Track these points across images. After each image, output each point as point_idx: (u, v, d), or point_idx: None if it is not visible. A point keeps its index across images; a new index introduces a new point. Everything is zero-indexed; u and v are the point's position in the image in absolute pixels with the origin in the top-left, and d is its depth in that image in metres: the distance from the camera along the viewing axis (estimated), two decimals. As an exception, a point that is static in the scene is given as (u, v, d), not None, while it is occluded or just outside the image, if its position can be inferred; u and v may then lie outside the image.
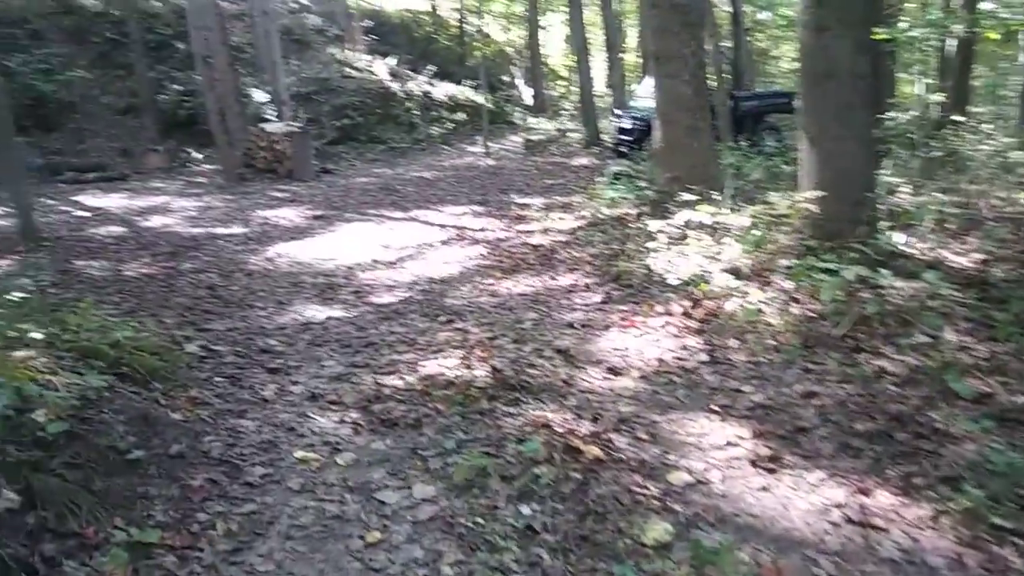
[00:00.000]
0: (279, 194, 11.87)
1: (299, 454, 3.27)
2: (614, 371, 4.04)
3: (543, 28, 27.95)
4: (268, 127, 14.81)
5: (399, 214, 9.38)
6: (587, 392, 3.76)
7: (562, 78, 31.67)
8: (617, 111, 13.09)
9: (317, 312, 5.48)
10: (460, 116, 19.24)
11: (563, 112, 21.76)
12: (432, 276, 6.30)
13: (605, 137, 15.11)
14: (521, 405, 3.55)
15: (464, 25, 28.13)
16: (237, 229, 8.93)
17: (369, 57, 20.66)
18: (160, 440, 3.19)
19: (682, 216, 5.72)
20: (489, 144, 15.68)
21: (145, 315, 5.15)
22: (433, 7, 29.20)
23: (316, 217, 9.46)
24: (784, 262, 4.82)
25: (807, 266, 4.54)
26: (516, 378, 3.79)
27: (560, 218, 7.82)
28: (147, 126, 18.19)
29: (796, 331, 4.14)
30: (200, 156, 15.79)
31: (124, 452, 2.97)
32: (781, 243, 5.07)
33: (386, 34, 25.13)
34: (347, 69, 19.09)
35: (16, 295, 4.33)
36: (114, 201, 11.81)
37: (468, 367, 3.98)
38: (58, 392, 2.94)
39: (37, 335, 3.47)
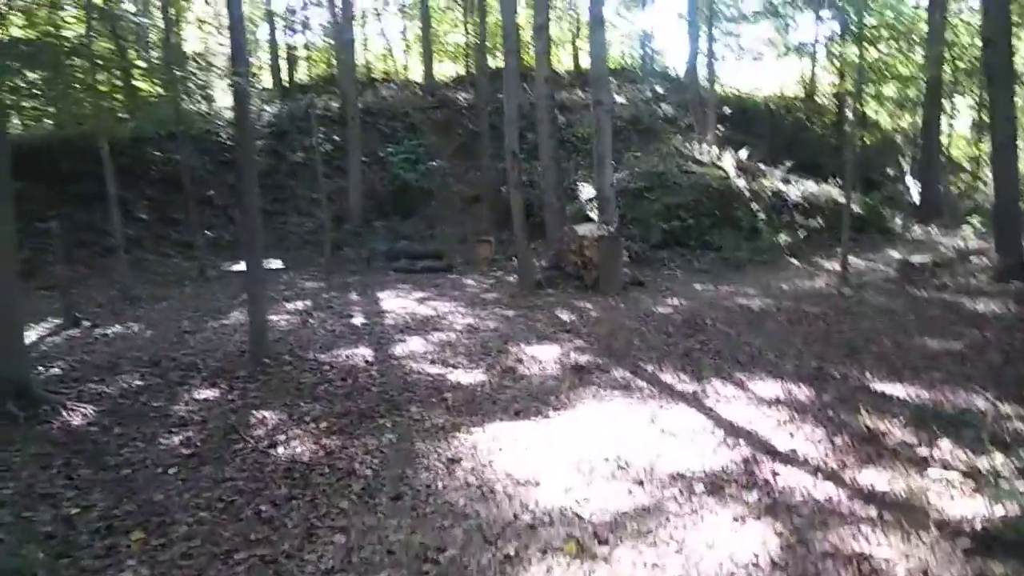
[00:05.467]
0: (565, 315, 9.90)
1: None
2: None
3: (947, 114, 22.67)
4: (580, 228, 13.14)
5: (683, 384, 6.61)
6: None
7: (964, 170, 25.60)
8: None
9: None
10: (816, 222, 15.64)
11: (967, 223, 16.59)
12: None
13: (1032, 269, 10.49)
14: None
15: (845, 110, 24.19)
16: (476, 376, 7.03)
17: (717, 149, 18.16)
18: None
19: None
20: (849, 263, 12.02)
21: None
22: (809, 92, 25.72)
23: (575, 369, 7.16)
24: None
25: None
26: None
27: (960, 487, 4.24)
28: (486, 216, 18.09)
29: None
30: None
31: None
32: None
33: (746, 122, 22.48)
34: (688, 163, 16.83)
35: None
36: (405, 303, 10.97)
37: None
38: None
39: None
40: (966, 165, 26.42)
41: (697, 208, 15.28)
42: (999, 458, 4.33)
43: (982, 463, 4.29)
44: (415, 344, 8.34)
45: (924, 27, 19.12)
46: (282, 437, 5.46)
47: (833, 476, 4.35)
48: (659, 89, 23.89)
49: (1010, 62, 10.60)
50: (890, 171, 23.82)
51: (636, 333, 8.64)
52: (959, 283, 10.59)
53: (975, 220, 15.04)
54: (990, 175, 26.24)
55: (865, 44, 14.59)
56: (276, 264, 12.16)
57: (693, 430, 5.34)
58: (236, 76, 6.85)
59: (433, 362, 7.57)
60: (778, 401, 5.94)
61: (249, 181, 7.46)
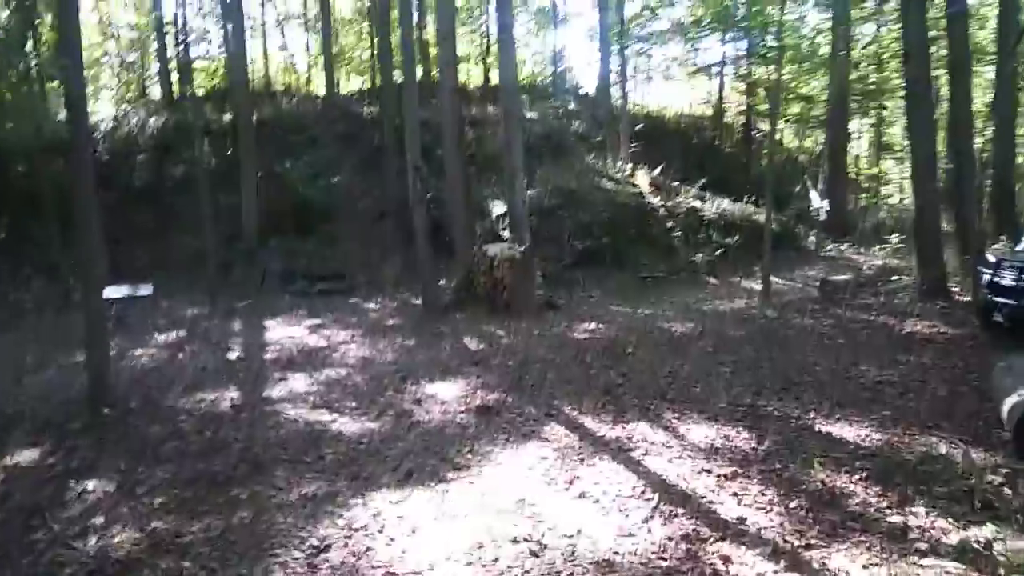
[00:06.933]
0: (473, 343, 8.92)
1: None
2: None
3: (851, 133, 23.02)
4: (491, 247, 12.21)
5: (606, 428, 5.71)
6: None
7: (864, 190, 26.15)
8: (991, 256, 8.34)
9: None
10: (733, 239, 15.24)
11: (882, 240, 16.43)
12: None
13: (955, 287, 10.20)
14: None
15: (752, 130, 24.31)
16: (364, 424, 5.94)
17: (630, 167, 17.65)
18: None
19: None
20: (771, 282, 11.53)
21: None
22: (717, 111, 25.79)
23: (482, 411, 6.16)
24: None
25: None
26: None
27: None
28: (392, 235, 16.96)
29: None
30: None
31: None
32: None
33: (658, 140, 22.15)
34: (602, 180, 16.22)
35: None
36: (294, 332, 9.76)
37: None
38: None
39: None
40: (866, 184, 27.02)
41: (612, 226, 14.63)
42: (989, 529, 3.59)
43: (974, 535, 3.53)
44: (297, 383, 7.17)
45: (826, 49, 19.29)
46: (100, 520, 4.23)
47: (796, 561, 3.48)
48: (571, 106, 23.37)
49: (928, 76, 10.37)
50: (796, 189, 24.03)
51: (551, 364, 7.72)
52: (882, 303, 10.19)
53: (893, 237, 14.99)
54: (888, 191, 27.16)
55: (774, 64, 14.44)
56: (145, 291, 10.68)
57: (621, 494, 4.41)
58: (62, 69, 5.57)
59: (315, 406, 6.44)
60: (716, 450, 5.09)
61: (85, 198, 6.17)
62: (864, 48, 20.73)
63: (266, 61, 26.55)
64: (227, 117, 19.59)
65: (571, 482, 4.66)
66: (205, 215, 13.65)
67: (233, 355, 8.49)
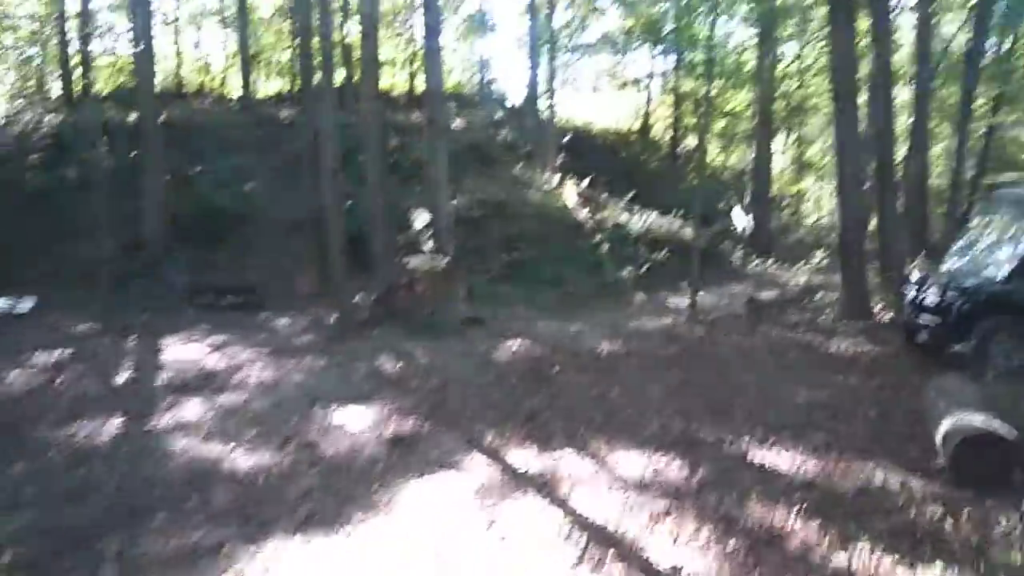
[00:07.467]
0: (390, 364, 8.36)
1: None
2: None
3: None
4: (413, 260, 11.69)
5: (530, 459, 5.26)
6: None
7: (786, 208, 26.75)
8: (916, 273, 8.34)
9: None
10: (660, 254, 15.12)
11: (806, 258, 16.58)
12: None
13: (877, 306, 10.23)
14: None
15: (678, 145, 24.55)
16: (262, 458, 5.32)
17: (558, 179, 17.41)
18: None
19: None
20: (698, 300, 11.37)
21: None
22: (645, 125, 25.96)
23: (396, 442, 5.63)
24: None
25: None
26: None
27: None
28: (308, 246, 16.15)
29: None
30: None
31: None
32: None
33: (586, 153, 22.05)
34: (529, 192, 15.89)
35: None
36: (194, 350, 8.96)
37: None
38: None
39: None
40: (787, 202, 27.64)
41: (539, 239, 14.30)
42: (937, 569, 3.31)
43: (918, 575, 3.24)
44: (190, 410, 6.46)
45: (752, 64, 19.61)
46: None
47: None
48: (499, 116, 23.05)
49: (855, 92, 10.45)
50: (720, 206, 24.34)
51: (473, 387, 7.25)
52: (808, 320, 10.14)
53: (816, 254, 15.15)
54: (809, 209, 27.88)
55: (702, 79, 14.50)
56: (25, 306, 9.65)
57: (545, 537, 3.97)
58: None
59: (208, 437, 5.77)
60: (647, 484, 4.71)
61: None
62: (787, 66, 21.17)
63: (178, 59, 25.26)
64: (133, 117, 18.42)
65: (492, 523, 4.20)
66: (101, 221, 12.64)
67: (121, 378, 7.68)
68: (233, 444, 5.58)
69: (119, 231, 14.13)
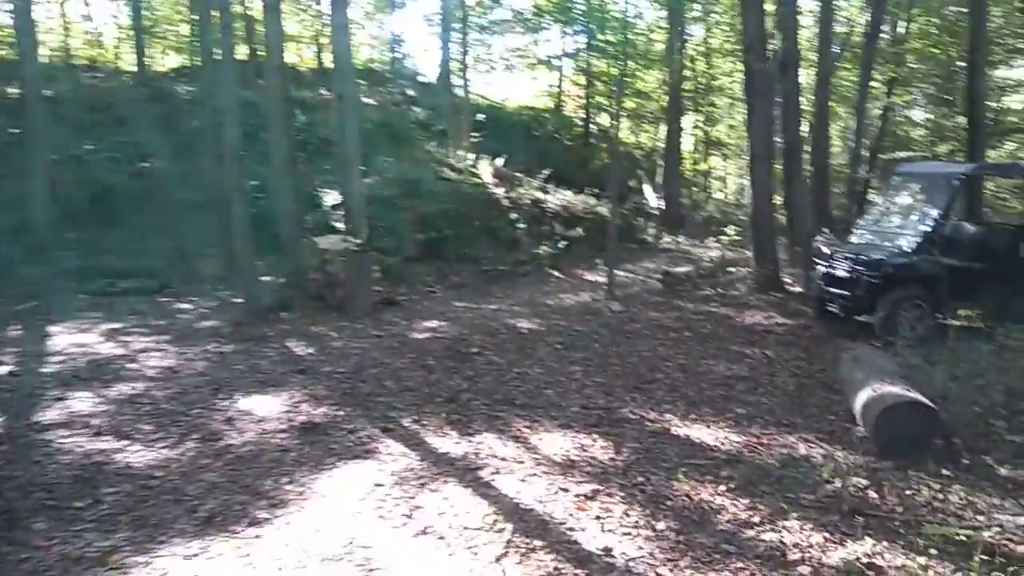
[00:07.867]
0: (301, 348, 7.97)
1: None
2: None
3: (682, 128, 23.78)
4: (323, 241, 11.24)
5: (451, 443, 5.06)
6: None
7: (695, 186, 27.27)
8: (825, 248, 8.55)
9: None
10: (577, 232, 15.12)
11: (718, 233, 16.85)
12: None
13: (787, 279, 10.47)
14: None
15: (590, 124, 24.58)
16: (159, 453, 4.90)
17: (473, 157, 17.13)
18: None
19: None
20: (615, 276, 11.38)
21: None
22: (558, 104, 25.88)
23: (307, 430, 5.31)
24: None
25: None
26: None
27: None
28: (211, 227, 15.31)
29: None
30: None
31: None
32: None
33: (500, 131, 21.76)
34: (444, 170, 15.56)
35: None
36: (86, 339, 8.32)
37: None
38: None
39: None
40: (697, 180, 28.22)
41: (455, 218, 14.01)
42: (868, 544, 3.29)
43: (854, 552, 3.21)
44: (80, 403, 5.93)
45: (661, 46, 19.81)
46: None
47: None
48: (411, 93, 22.50)
49: (767, 70, 10.60)
50: (631, 183, 24.60)
51: (389, 369, 6.97)
52: (721, 294, 10.30)
53: (728, 230, 15.46)
54: (715, 187, 28.59)
55: (613, 60, 14.50)
56: None
57: (469, 526, 3.78)
58: None
59: (100, 432, 5.29)
60: (572, 464, 4.58)
61: None
62: (696, 46, 21.49)
63: (66, 31, 23.57)
64: (14, 92, 16.99)
65: (411, 514, 3.97)
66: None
67: (3, 370, 7.02)
68: (128, 439, 5.14)
69: (2, 214, 13.06)
